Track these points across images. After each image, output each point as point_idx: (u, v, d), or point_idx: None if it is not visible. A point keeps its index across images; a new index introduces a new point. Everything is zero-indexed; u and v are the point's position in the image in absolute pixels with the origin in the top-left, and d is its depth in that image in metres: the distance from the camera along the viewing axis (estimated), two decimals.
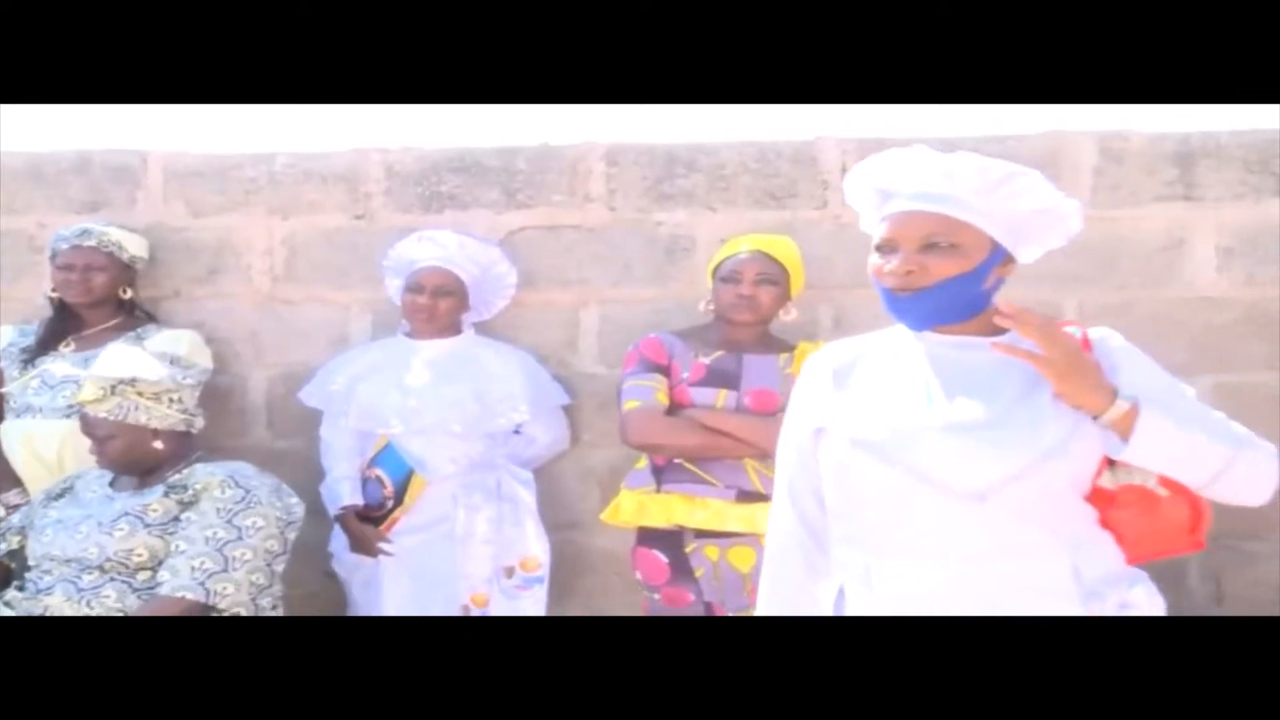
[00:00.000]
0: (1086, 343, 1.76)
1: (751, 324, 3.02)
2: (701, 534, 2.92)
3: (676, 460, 2.97)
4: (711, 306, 3.08)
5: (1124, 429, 1.63)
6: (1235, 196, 3.31)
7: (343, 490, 3.27)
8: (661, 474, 2.99)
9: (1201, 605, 3.39)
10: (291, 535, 2.88)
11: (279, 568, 2.84)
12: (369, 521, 3.24)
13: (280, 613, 2.86)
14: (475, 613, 3.22)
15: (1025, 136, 3.42)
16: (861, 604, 1.73)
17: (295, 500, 2.90)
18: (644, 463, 3.05)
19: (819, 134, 3.52)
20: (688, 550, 2.95)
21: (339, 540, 3.29)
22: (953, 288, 1.69)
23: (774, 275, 3.01)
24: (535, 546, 3.27)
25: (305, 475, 3.34)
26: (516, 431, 3.36)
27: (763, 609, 1.85)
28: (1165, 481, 1.71)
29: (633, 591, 3.16)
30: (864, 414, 1.72)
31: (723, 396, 2.96)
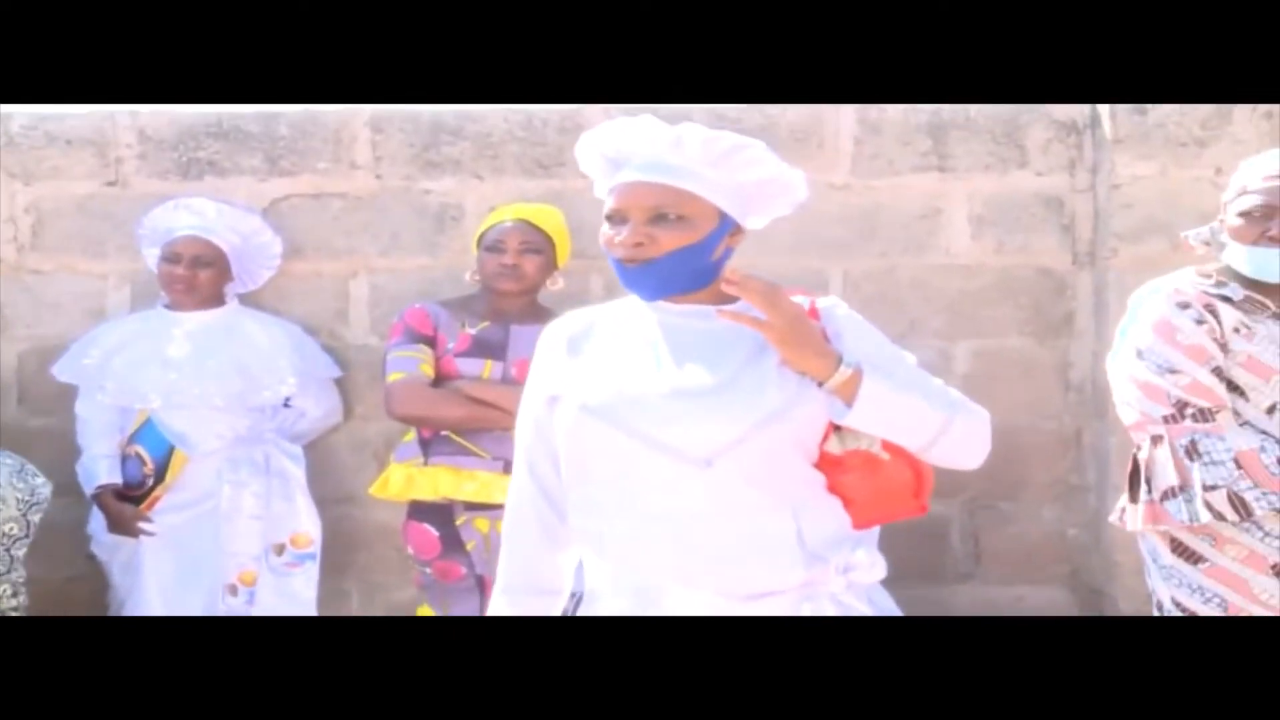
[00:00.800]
0: (814, 311, 1.81)
1: (517, 293, 3.01)
2: (471, 506, 2.92)
3: (443, 433, 2.95)
4: (477, 276, 3.06)
5: (847, 395, 1.68)
6: (985, 168, 3.46)
7: (99, 469, 3.15)
8: (429, 446, 2.98)
9: (962, 562, 3.56)
10: (36, 518, 2.76)
11: (19, 552, 2.72)
12: (129, 500, 3.13)
13: (22, 599, 2.74)
14: (243, 591, 3.15)
15: (786, 108, 3.49)
16: (596, 573, 1.75)
17: (41, 481, 2.78)
18: (411, 435, 3.03)
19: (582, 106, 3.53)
20: (458, 523, 2.95)
21: (97, 521, 3.17)
22: (681, 258, 1.72)
23: (538, 244, 3.02)
24: (306, 522, 3.22)
25: (61, 454, 3.21)
26: (286, 405, 3.28)
27: (501, 581, 1.85)
28: (887, 446, 1.78)
29: (410, 566, 3.13)
30: (594, 380, 1.74)
31: (489, 367, 2.95)
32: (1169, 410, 2.28)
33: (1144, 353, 2.34)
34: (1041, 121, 3.46)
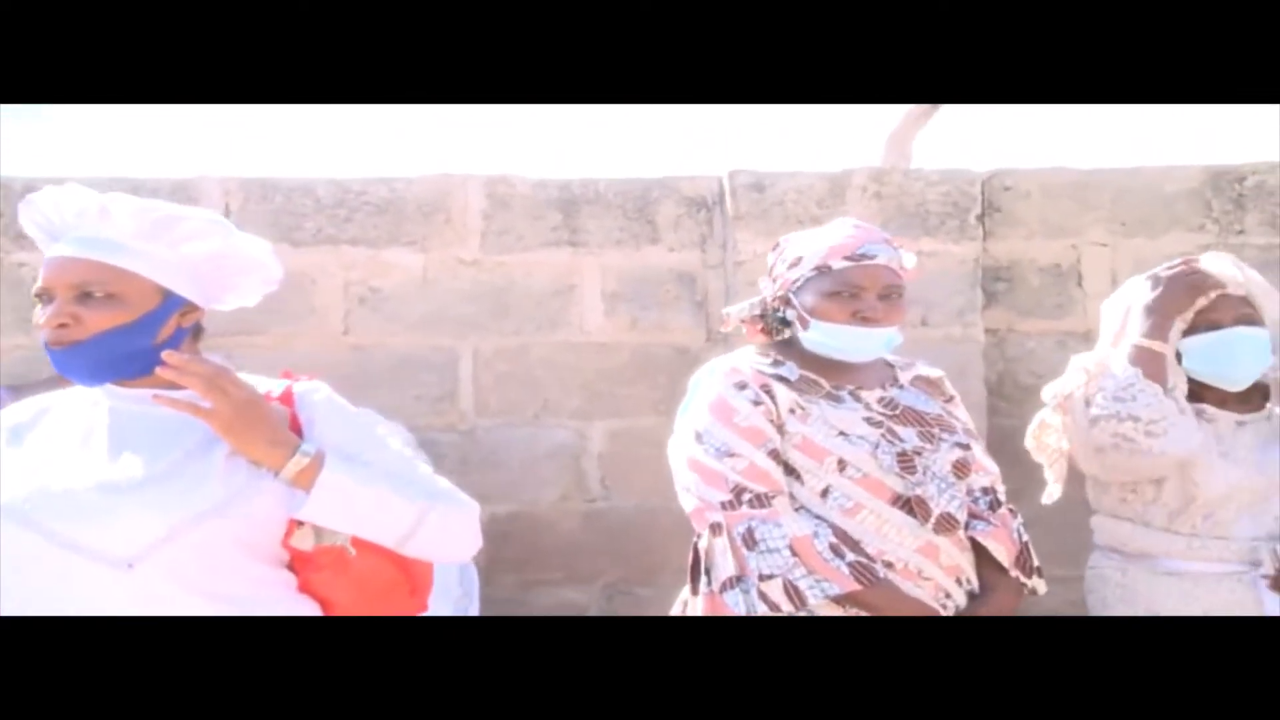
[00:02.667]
0: (288, 396, 1.68)
1: None
2: None
3: None
4: None
5: (305, 485, 1.55)
6: (616, 243, 3.44)
7: None
8: None
9: None
10: None
11: None
12: None
13: None
14: None
15: (413, 180, 3.40)
16: None
17: None
18: None
19: (201, 172, 3.35)
20: None
21: None
22: (112, 340, 1.57)
23: None
24: None
25: None
26: None
27: None
28: (360, 542, 1.65)
29: None
30: (16, 476, 1.55)
31: None
32: (727, 496, 2.24)
33: (702, 435, 2.29)
34: (672, 198, 3.48)
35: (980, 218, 3.37)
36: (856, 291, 2.30)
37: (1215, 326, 2.43)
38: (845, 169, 3.40)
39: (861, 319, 2.29)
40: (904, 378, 2.46)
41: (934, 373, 2.54)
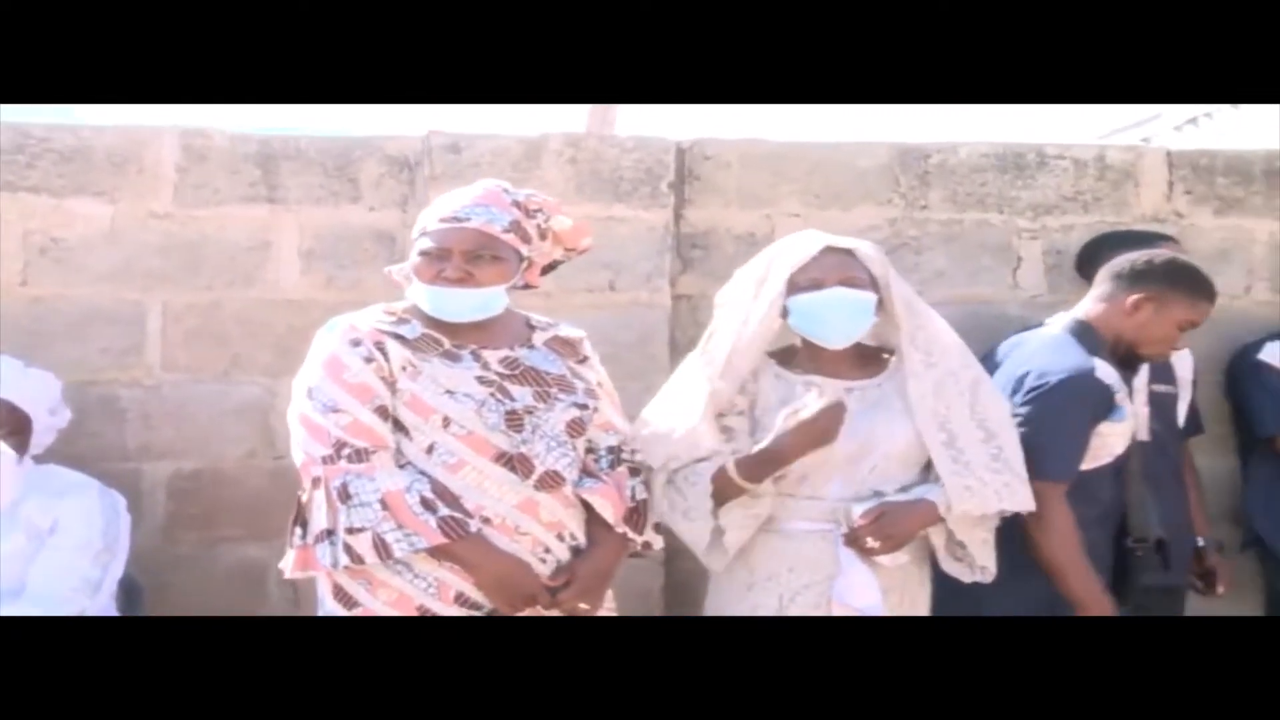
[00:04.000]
0: None
1: None
2: None
3: None
4: None
5: None
6: (316, 200, 3.46)
7: None
8: None
9: None
10: None
11: None
12: None
13: None
14: None
15: (104, 129, 3.38)
16: None
17: None
18: None
19: None
20: None
21: None
22: None
23: None
24: None
25: None
26: None
27: None
28: None
29: None
30: None
31: None
32: (328, 451, 2.30)
33: (313, 391, 2.36)
34: (375, 156, 3.51)
35: (673, 185, 3.48)
36: (443, 253, 2.39)
37: (818, 286, 2.55)
38: (542, 134, 3.48)
39: (444, 279, 2.37)
40: (539, 338, 2.56)
41: (574, 334, 2.64)
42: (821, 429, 2.43)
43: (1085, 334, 2.94)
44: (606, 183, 3.46)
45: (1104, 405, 2.80)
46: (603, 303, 3.44)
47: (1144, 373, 3.17)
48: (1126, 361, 2.97)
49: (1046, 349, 2.93)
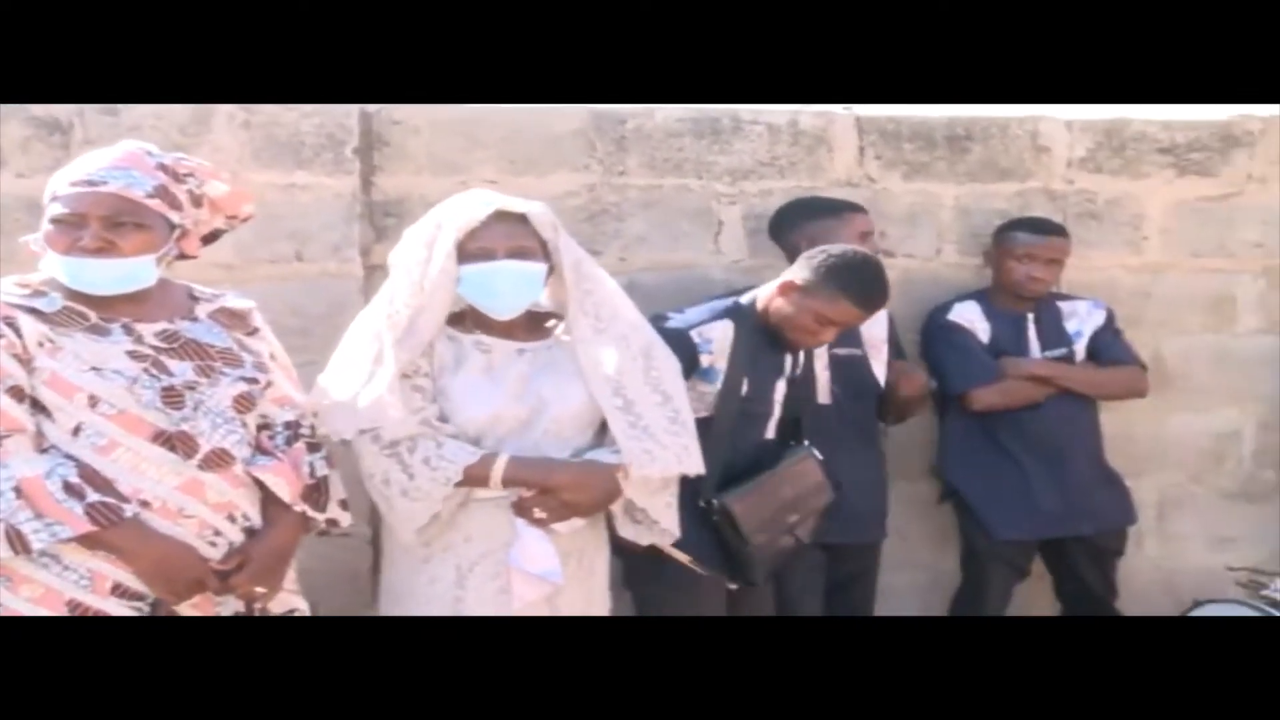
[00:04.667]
0: None
1: None
2: None
3: None
4: None
5: None
6: None
7: None
8: None
9: None
10: None
11: None
12: None
13: None
14: None
15: None
16: None
17: None
18: None
19: None
20: None
21: None
22: None
23: None
24: None
25: None
26: None
27: None
28: None
29: None
30: None
31: None
32: None
33: None
34: (19, 117, 3.18)
35: (358, 152, 3.31)
36: (79, 220, 2.17)
37: (488, 257, 2.46)
38: None
39: (80, 249, 2.16)
40: (203, 310, 2.36)
41: (242, 304, 2.45)
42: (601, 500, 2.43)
43: (740, 306, 3.02)
44: (285, 149, 3.26)
45: (688, 363, 2.81)
46: (289, 274, 3.24)
47: None
48: (775, 341, 3.01)
49: (694, 309, 3.06)
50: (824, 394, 3.36)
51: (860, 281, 2.89)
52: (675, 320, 2.99)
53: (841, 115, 3.72)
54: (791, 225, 3.44)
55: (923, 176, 3.77)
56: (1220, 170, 3.91)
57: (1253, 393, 4.01)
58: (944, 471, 3.70)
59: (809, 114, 3.70)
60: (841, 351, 3.37)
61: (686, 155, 3.62)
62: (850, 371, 3.40)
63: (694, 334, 2.92)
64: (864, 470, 3.41)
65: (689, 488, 2.68)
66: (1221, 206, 3.93)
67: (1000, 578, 3.64)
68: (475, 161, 3.48)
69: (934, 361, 3.65)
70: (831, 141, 3.71)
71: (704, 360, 2.91)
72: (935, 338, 3.66)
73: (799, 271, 2.92)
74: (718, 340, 2.94)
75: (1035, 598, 3.78)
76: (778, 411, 3.08)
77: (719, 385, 2.92)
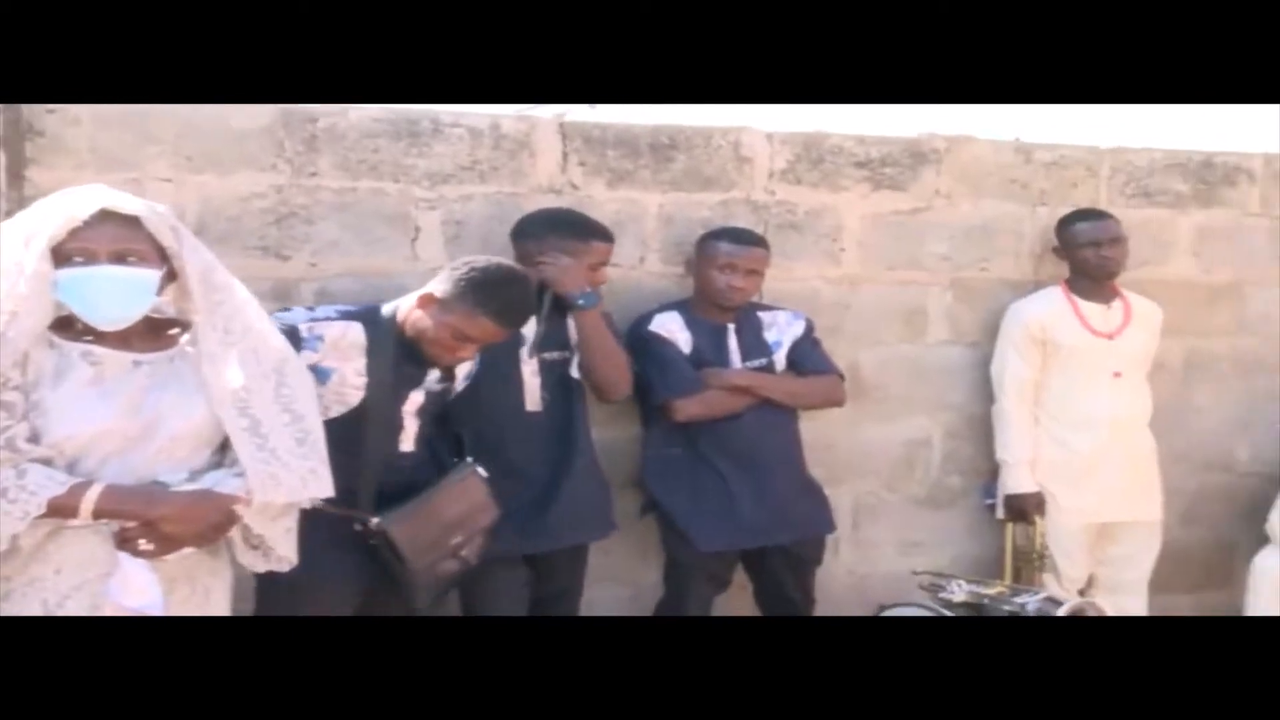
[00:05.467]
0: None
1: None
2: None
3: None
4: None
5: None
6: None
7: None
8: None
9: None
10: None
11: None
12: None
13: None
14: None
15: None
16: None
17: None
18: None
19: None
20: None
21: None
22: None
23: None
24: None
25: None
26: None
27: None
28: None
29: None
30: None
31: None
32: None
33: None
34: None
35: (6, 142, 3.00)
36: None
37: (89, 259, 2.24)
38: None
39: None
40: None
41: None
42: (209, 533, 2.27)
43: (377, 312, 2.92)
44: None
45: None
46: None
47: (529, 340, 3.20)
48: (413, 353, 2.92)
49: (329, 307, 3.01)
50: (533, 401, 3.29)
51: (501, 298, 2.82)
52: (295, 313, 2.88)
53: (544, 120, 3.64)
54: (535, 235, 3.35)
55: (627, 184, 3.74)
56: (911, 185, 4.05)
57: (941, 401, 4.18)
58: (646, 483, 3.68)
59: (510, 118, 3.61)
60: (551, 355, 3.31)
61: (383, 157, 3.47)
62: (558, 375, 3.34)
63: (303, 327, 2.80)
64: (577, 476, 3.36)
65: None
66: (913, 220, 4.07)
67: (702, 589, 3.66)
68: (147, 157, 3.23)
69: (637, 371, 3.63)
70: (534, 146, 3.63)
71: (310, 355, 2.77)
72: (638, 348, 3.64)
73: (440, 284, 2.83)
74: (331, 340, 2.82)
75: (736, 609, 3.81)
76: (411, 425, 2.97)
77: (330, 385, 2.80)
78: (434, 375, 2.96)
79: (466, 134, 3.55)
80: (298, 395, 2.38)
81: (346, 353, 2.82)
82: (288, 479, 2.31)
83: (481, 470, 3.02)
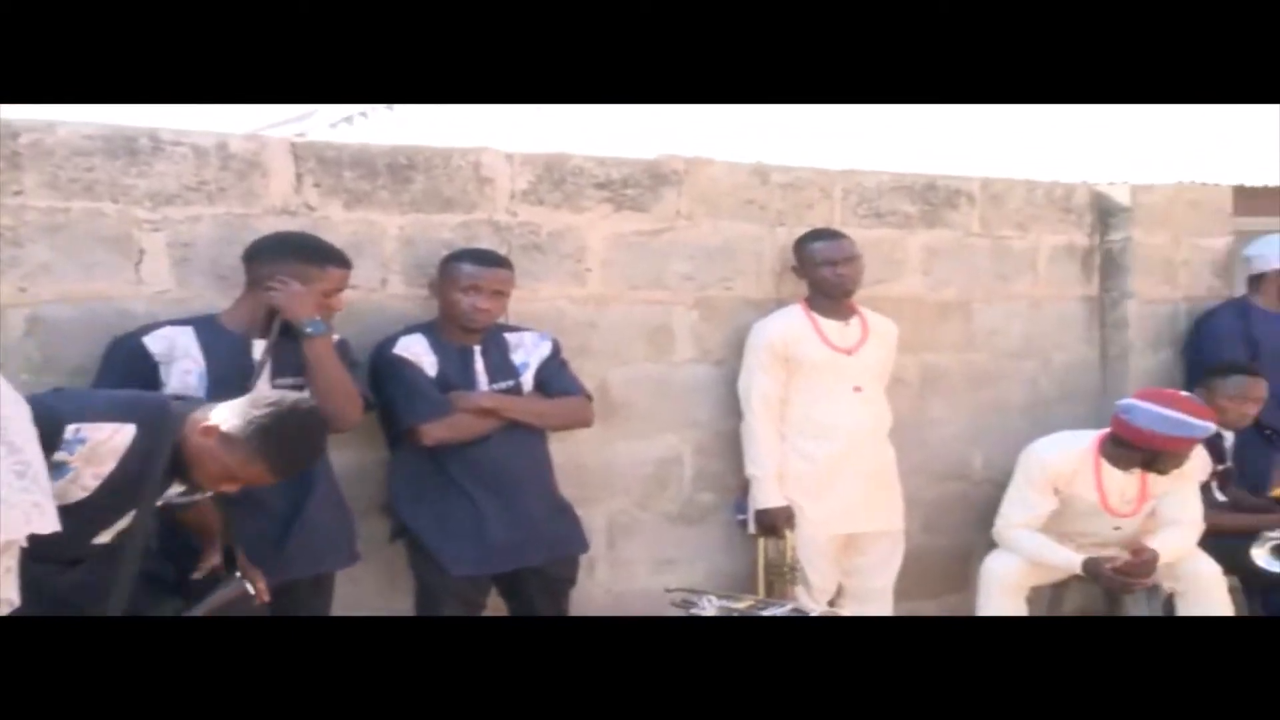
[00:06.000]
0: None
1: None
2: None
3: None
4: None
5: None
6: None
7: None
8: None
9: None
10: None
11: None
12: None
13: None
14: None
15: None
16: None
17: None
18: None
19: None
20: None
21: None
22: None
23: None
24: None
25: None
26: None
27: None
28: None
29: None
30: None
31: None
32: None
33: None
34: None
35: None
36: None
37: None
38: None
39: None
40: None
41: None
42: None
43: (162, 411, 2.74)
44: None
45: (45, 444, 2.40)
46: None
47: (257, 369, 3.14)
48: (177, 469, 2.75)
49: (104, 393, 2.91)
50: None
51: (287, 455, 2.69)
52: (65, 400, 2.66)
53: (275, 140, 3.55)
54: (267, 259, 3.23)
55: (365, 205, 3.67)
56: (652, 206, 4.12)
57: (690, 419, 4.24)
58: (394, 508, 3.60)
59: (239, 137, 3.51)
60: (285, 382, 3.23)
61: (98, 176, 3.30)
62: None
63: (69, 429, 2.54)
64: (316, 504, 3.26)
65: None
66: (656, 241, 4.14)
67: (454, 614, 3.58)
68: None
69: (383, 396, 3.55)
70: (265, 166, 3.53)
71: (61, 456, 2.53)
72: (382, 372, 3.56)
73: (231, 419, 2.65)
74: (92, 444, 2.57)
75: None
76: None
77: (59, 482, 2.50)
78: (179, 490, 2.80)
79: (191, 152, 3.42)
80: (12, 426, 2.17)
81: (100, 458, 2.57)
82: (8, 515, 2.11)
83: (249, 586, 2.95)
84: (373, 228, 3.69)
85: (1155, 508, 4.34)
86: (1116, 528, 4.34)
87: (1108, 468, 4.27)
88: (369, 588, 3.63)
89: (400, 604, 3.65)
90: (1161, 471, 4.22)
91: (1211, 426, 4.19)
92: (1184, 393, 4.36)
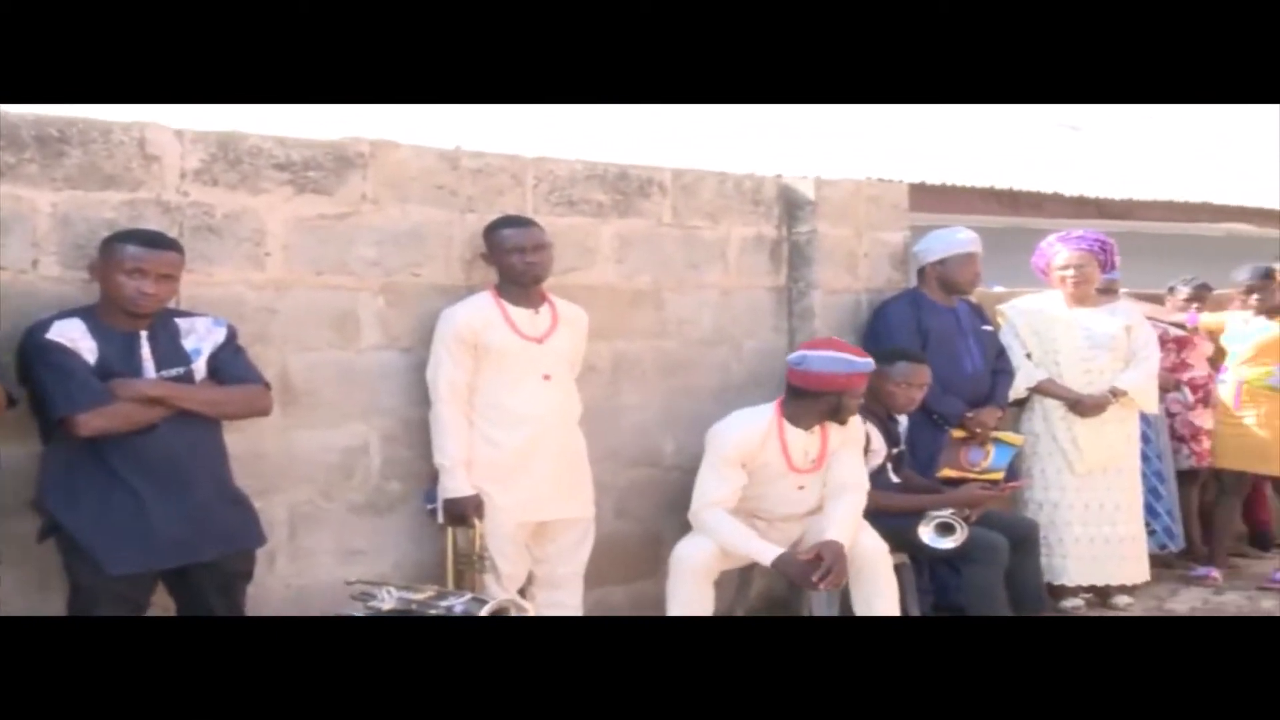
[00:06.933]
0: None
1: None
2: None
3: None
4: None
5: None
6: None
7: None
8: None
9: None
10: None
11: None
12: None
13: None
14: None
15: None
16: None
17: None
18: None
19: None
20: None
21: None
22: None
23: None
24: None
25: None
26: None
27: None
28: None
29: None
30: None
31: None
32: None
33: None
34: None
35: None
36: None
37: None
38: None
39: None
40: None
41: None
42: None
43: None
44: None
45: None
46: None
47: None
48: None
49: None
50: None
51: None
52: None
53: None
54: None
55: (10, 180, 3.43)
56: (336, 189, 4.02)
57: (377, 407, 4.16)
58: (45, 505, 3.38)
59: None
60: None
61: None
62: None
63: None
64: None
65: None
66: (340, 225, 4.04)
67: (115, 614, 3.39)
68: None
69: (34, 385, 3.32)
70: None
71: None
72: (33, 358, 3.34)
73: None
74: None
75: None
76: None
77: None
78: None
79: None
80: None
81: None
82: None
83: None
84: (19, 204, 3.44)
85: (830, 469, 4.53)
86: (800, 486, 4.50)
87: (790, 428, 4.44)
88: (15, 591, 3.38)
89: (51, 608, 3.43)
90: (842, 421, 4.43)
91: (870, 362, 4.45)
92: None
